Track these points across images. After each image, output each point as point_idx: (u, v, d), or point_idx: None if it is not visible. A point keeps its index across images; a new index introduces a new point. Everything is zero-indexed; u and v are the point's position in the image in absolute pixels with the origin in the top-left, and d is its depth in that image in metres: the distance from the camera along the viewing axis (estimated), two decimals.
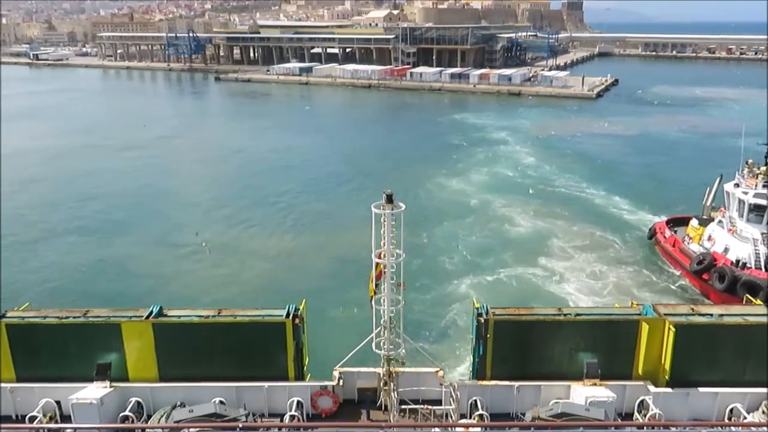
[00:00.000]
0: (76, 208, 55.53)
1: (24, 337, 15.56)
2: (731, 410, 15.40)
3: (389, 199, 14.53)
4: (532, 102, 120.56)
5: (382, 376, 15.89)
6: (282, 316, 15.71)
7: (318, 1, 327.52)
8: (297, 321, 15.62)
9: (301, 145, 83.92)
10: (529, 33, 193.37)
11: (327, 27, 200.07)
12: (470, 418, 15.17)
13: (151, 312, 15.88)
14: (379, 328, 15.58)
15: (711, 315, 15.87)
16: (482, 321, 15.66)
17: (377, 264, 15.03)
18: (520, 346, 16.05)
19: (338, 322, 30.02)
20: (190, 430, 13.20)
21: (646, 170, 67.29)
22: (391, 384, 15.59)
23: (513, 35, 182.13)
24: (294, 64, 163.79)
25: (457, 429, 14.37)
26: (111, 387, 15.12)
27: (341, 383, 16.02)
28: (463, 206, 54.89)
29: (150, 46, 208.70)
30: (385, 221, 14.55)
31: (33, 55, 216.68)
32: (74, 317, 15.83)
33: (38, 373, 15.53)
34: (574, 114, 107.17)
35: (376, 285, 15.27)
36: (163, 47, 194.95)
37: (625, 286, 38.52)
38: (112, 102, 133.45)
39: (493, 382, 15.88)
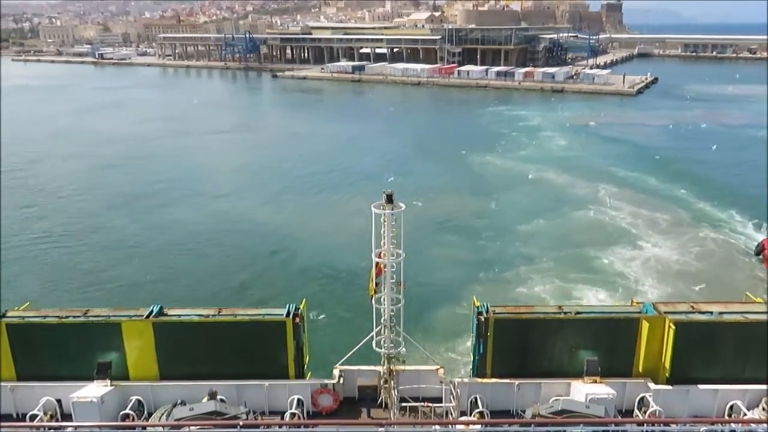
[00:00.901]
0: (190, 177, 65.19)
1: (24, 336, 15.64)
2: (731, 407, 15.42)
3: (389, 199, 14.65)
4: (575, 97, 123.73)
5: (382, 374, 16.02)
6: (282, 315, 15.80)
7: (357, 2, 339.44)
8: (297, 320, 15.70)
9: (364, 132, 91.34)
10: (569, 34, 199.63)
11: (374, 28, 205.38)
12: (470, 415, 15.26)
13: (151, 311, 15.94)
14: (380, 327, 15.72)
15: (711, 313, 15.88)
16: (482, 319, 15.77)
17: (377, 263, 15.14)
18: (521, 344, 16.17)
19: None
20: (191, 428, 13.29)
21: (680, 153, 72.86)
22: (392, 382, 15.72)
23: (555, 36, 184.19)
24: (347, 63, 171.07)
25: (458, 426, 14.50)
26: (111, 385, 15.22)
27: (342, 381, 16.16)
28: (515, 178, 62.43)
29: (207, 47, 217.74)
30: (385, 221, 14.63)
31: (98, 54, 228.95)
32: (74, 317, 15.89)
33: (39, 372, 15.60)
34: (615, 108, 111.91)
35: (376, 284, 15.39)
36: (220, 47, 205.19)
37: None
38: (185, 95, 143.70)
39: (493, 380, 16.00)
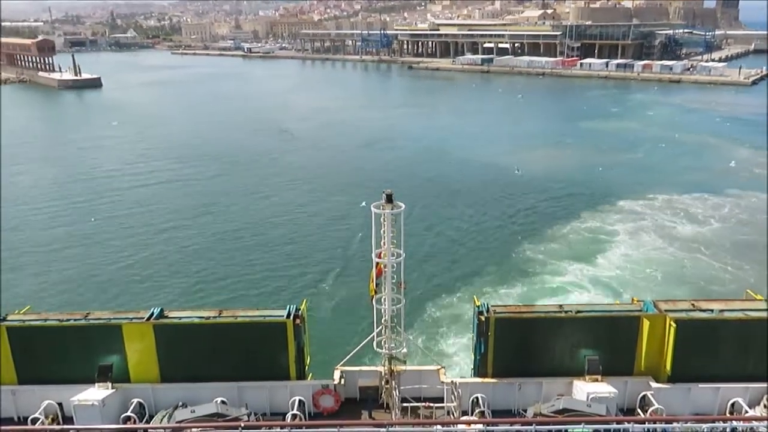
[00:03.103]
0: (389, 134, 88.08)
1: (25, 339, 15.91)
2: (732, 405, 15.34)
3: (389, 199, 14.77)
4: (691, 87, 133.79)
5: (383, 374, 16.10)
6: (283, 316, 15.88)
7: (462, 1, 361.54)
8: (298, 321, 15.78)
9: (511, 108, 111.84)
10: (684, 30, 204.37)
11: (496, 25, 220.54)
12: (472, 415, 15.31)
13: (152, 314, 16.08)
14: (380, 327, 15.80)
15: (711, 310, 15.79)
16: (483, 319, 15.78)
17: (377, 263, 15.20)
18: (521, 343, 16.15)
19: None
20: (193, 430, 13.50)
21: None
22: (393, 382, 15.77)
23: (670, 32, 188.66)
24: (476, 56, 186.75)
25: (459, 426, 14.47)
26: (112, 388, 15.44)
27: (343, 382, 16.27)
28: (643, 137, 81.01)
29: (343, 42, 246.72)
30: (385, 221, 14.74)
31: (246, 48, 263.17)
32: (75, 320, 16.17)
33: (40, 375, 15.85)
34: (729, 94, 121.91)
35: (377, 284, 15.50)
36: (354, 42, 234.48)
37: None
38: (342, 81, 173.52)
39: (494, 380, 16.05)
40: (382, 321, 15.76)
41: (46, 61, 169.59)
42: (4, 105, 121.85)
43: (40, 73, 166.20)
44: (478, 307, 16.13)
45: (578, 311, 16.26)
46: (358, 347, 16.52)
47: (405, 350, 16.04)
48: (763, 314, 15.45)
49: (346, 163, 70.03)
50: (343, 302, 33.44)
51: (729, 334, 15.57)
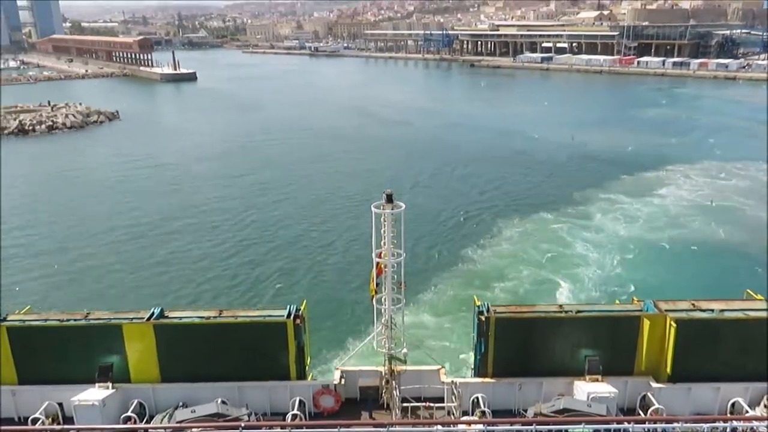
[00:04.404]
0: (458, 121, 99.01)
1: (25, 339, 16.06)
2: (733, 404, 15.30)
3: (389, 199, 14.82)
4: (745, 84, 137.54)
5: (384, 374, 16.11)
6: (283, 316, 15.91)
7: (515, 2, 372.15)
8: (298, 321, 15.80)
9: (568, 100, 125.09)
10: (742, 31, 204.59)
11: (553, 26, 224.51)
12: (472, 415, 15.29)
13: (152, 314, 16.17)
14: (381, 327, 15.83)
15: (712, 310, 15.73)
16: (483, 319, 15.74)
17: (378, 263, 15.23)
18: (522, 343, 16.12)
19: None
20: (193, 430, 13.54)
21: None
22: (393, 382, 15.78)
23: (727, 32, 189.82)
24: (537, 55, 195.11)
25: (460, 426, 14.47)
26: (113, 388, 15.56)
27: (343, 382, 16.24)
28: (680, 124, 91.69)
29: (406, 42, 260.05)
30: (385, 221, 14.81)
31: (313, 48, 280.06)
32: (75, 320, 16.29)
33: (40, 375, 16.00)
34: None
35: (377, 284, 15.57)
36: (417, 42, 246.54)
37: None
38: (409, 78, 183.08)
39: (494, 380, 16.05)
40: (383, 321, 15.86)
41: (145, 57, 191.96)
42: (116, 93, 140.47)
43: (142, 68, 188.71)
44: (478, 306, 16.14)
45: (578, 311, 16.30)
46: (359, 347, 16.79)
47: (405, 350, 16.08)
48: (763, 314, 15.39)
49: (432, 140, 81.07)
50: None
51: (729, 334, 15.52)
